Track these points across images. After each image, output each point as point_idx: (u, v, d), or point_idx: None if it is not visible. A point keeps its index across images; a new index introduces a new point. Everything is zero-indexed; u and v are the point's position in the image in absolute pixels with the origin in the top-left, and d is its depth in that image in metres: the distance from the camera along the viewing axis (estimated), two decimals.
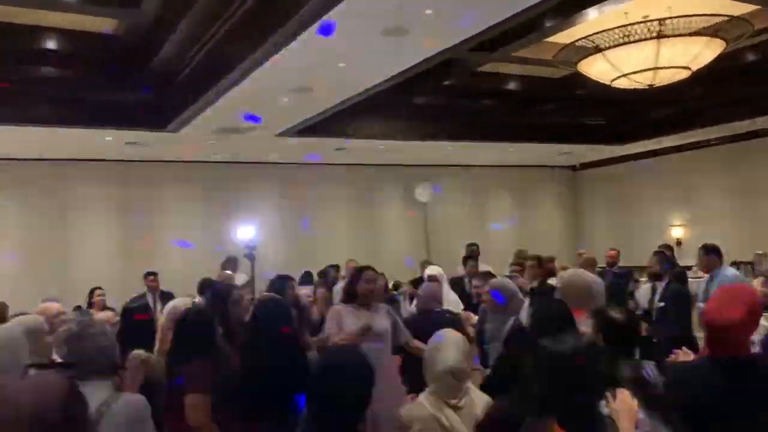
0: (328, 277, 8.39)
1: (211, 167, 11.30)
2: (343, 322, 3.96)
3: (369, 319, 3.99)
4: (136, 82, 7.89)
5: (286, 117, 8.28)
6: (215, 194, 11.30)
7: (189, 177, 11.22)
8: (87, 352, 2.26)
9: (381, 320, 4.09)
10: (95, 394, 2.13)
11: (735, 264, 8.20)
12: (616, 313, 2.53)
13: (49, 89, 7.73)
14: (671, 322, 5.71)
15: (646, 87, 7.24)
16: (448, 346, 2.58)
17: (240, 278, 7.65)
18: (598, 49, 6.76)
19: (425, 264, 6.90)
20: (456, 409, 2.40)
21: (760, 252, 9.03)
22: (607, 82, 7.38)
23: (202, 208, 11.27)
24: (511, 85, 9.59)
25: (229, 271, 7.03)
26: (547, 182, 14.73)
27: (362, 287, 4.08)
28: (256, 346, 3.18)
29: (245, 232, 7.32)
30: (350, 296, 4.12)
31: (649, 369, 2.38)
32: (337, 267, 8.95)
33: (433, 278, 5.74)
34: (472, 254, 8.27)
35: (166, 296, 7.33)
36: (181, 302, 3.81)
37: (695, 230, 11.66)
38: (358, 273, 4.18)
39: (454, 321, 3.93)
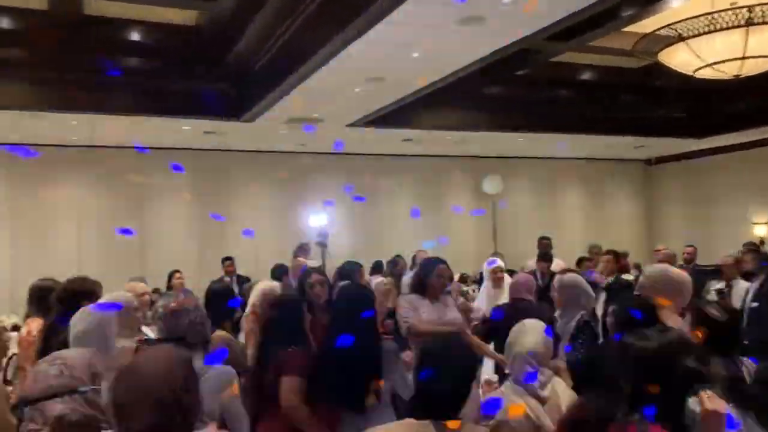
0: (396, 266, 8.43)
1: (283, 157, 11.53)
2: (419, 313, 3.99)
3: (442, 311, 4.02)
4: (214, 73, 8.13)
5: (357, 107, 8.35)
6: (285, 183, 11.53)
7: (261, 166, 11.48)
8: (182, 328, 2.36)
9: (454, 312, 4.12)
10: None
11: None
12: (715, 311, 2.46)
13: (133, 80, 8.05)
14: (766, 323, 5.37)
15: (732, 78, 6.93)
16: (528, 331, 2.60)
17: (311, 265, 7.78)
18: (681, 38, 6.52)
19: (495, 256, 6.81)
20: (538, 398, 2.38)
21: None
22: (690, 73, 7.11)
23: (273, 196, 11.54)
24: (587, 76, 9.37)
25: (301, 258, 7.17)
26: (620, 176, 14.31)
27: (434, 281, 4.10)
28: (339, 330, 3.24)
29: (317, 219, 7.43)
30: (420, 287, 4.14)
31: (745, 366, 2.30)
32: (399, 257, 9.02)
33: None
34: (545, 249, 8.13)
35: (242, 280, 7.59)
36: (269, 285, 3.93)
37: None
38: (431, 265, 4.18)
39: (541, 311, 3.88)
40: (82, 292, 3.15)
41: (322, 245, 7.16)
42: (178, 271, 7.77)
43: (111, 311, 2.52)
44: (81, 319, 2.50)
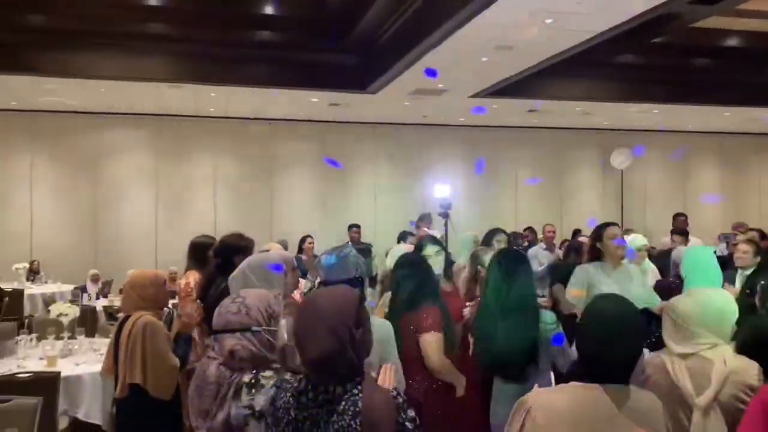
0: (517, 240, 8.35)
1: (404, 128, 11.65)
2: (594, 284, 3.73)
3: (625, 283, 3.72)
4: (342, 44, 8.32)
5: (482, 78, 8.24)
6: (406, 154, 11.68)
7: (383, 137, 11.67)
8: (342, 277, 2.50)
9: (639, 285, 3.87)
10: None
11: None
12: None
13: (264, 53, 8.41)
14: None
15: None
16: (687, 298, 2.49)
17: (434, 233, 7.86)
18: None
19: (627, 232, 6.53)
20: (685, 358, 2.31)
21: None
22: None
23: (396, 167, 11.73)
24: (733, 42, 8.69)
25: (425, 228, 7.26)
26: (764, 151, 13.22)
27: (609, 245, 3.82)
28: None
29: (441, 190, 7.48)
30: (595, 254, 3.89)
31: None
32: (530, 229, 8.95)
33: None
34: (681, 226, 7.73)
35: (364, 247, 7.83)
36: (403, 248, 4.07)
37: None
38: (601, 229, 3.90)
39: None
40: (237, 246, 3.39)
41: (445, 216, 7.20)
42: (309, 236, 8.13)
43: (281, 259, 2.72)
44: (247, 267, 2.69)
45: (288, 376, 1.83)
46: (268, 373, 1.94)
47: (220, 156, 11.20)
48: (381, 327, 2.53)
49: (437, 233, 7.89)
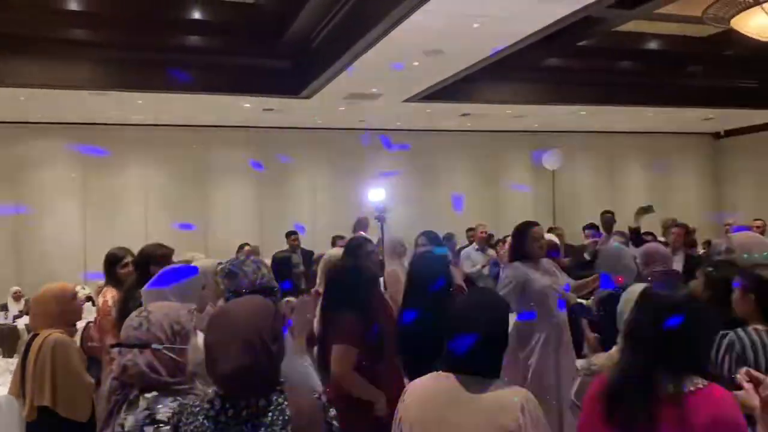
0: (451, 242, 8.44)
1: (339, 133, 11.61)
2: (530, 279, 3.97)
3: (552, 276, 4.03)
4: (274, 49, 8.22)
5: (415, 82, 8.30)
6: (342, 159, 11.64)
7: (319, 142, 11.59)
8: (244, 286, 2.42)
9: (560, 276, 4.12)
10: None
11: None
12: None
13: (194, 58, 8.21)
14: None
15: None
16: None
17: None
18: (757, 2, 6.19)
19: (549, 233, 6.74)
20: None
21: None
22: (765, 39, 6.76)
23: (332, 172, 11.68)
24: (653, 45, 9.03)
25: (362, 232, 7.23)
26: (687, 150, 13.83)
27: (531, 245, 4.05)
28: (415, 299, 3.30)
29: (376, 194, 7.45)
30: (521, 255, 4.09)
31: None
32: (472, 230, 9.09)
33: None
34: (608, 223, 7.99)
35: (307, 253, 7.76)
36: (335, 252, 4.02)
37: None
38: (525, 230, 4.11)
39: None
40: (155, 256, 3.26)
41: (381, 220, 7.18)
42: (247, 243, 7.99)
43: (194, 273, 2.61)
44: (175, 273, 2.57)
45: (191, 398, 1.73)
46: (149, 395, 1.81)
47: (151, 165, 10.88)
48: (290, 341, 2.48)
49: (374, 238, 7.90)
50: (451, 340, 1.94)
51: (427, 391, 1.99)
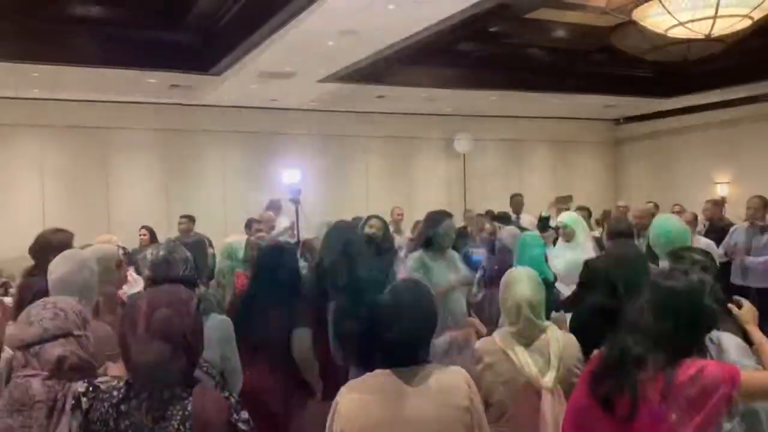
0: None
1: (252, 112, 11.34)
2: (429, 268, 4.02)
3: (453, 266, 4.08)
4: (181, 23, 7.88)
5: (330, 62, 8.20)
6: (255, 139, 11.38)
7: (231, 121, 11.28)
8: (171, 275, 2.33)
9: (463, 269, 4.17)
10: None
11: None
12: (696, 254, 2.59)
13: (96, 30, 7.76)
14: None
15: (703, 37, 6.98)
16: (520, 280, 2.60)
17: (283, 221, 7.75)
18: None
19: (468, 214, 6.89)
20: (528, 345, 2.42)
21: None
22: (662, 32, 7.13)
23: (243, 153, 11.39)
24: (560, 33, 9.31)
25: (271, 212, 7.12)
26: (588, 135, 14.48)
27: (441, 236, 4.12)
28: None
29: (290, 176, 7.34)
30: (427, 243, 4.16)
31: None
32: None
33: None
34: (517, 206, 8.25)
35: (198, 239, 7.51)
36: (236, 239, 3.90)
37: (741, 188, 11.40)
38: (437, 221, 4.16)
39: None
40: (51, 243, 3.03)
41: (295, 202, 7.10)
42: (144, 227, 7.62)
43: (92, 258, 2.46)
44: (61, 264, 2.43)
45: (108, 385, 1.66)
46: (102, 378, 1.75)
47: (48, 142, 10.22)
48: (221, 324, 2.40)
49: (288, 221, 7.81)
50: (386, 335, 1.90)
51: (367, 395, 1.88)
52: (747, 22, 6.75)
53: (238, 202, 10.41)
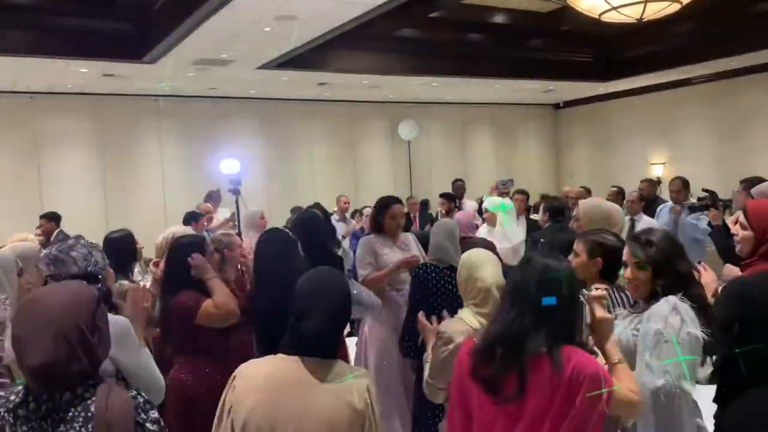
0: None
1: (190, 101, 11.06)
2: (379, 254, 4.07)
3: (404, 251, 4.12)
4: (113, 9, 7.60)
5: (268, 48, 8.05)
6: (195, 129, 11.11)
7: (167, 111, 10.97)
8: (72, 272, 2.21)
9: (415, 251, 4.17)
10: None
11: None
12: (611, 237, 2.62)
13: (23, 17, 7.40)
14: None
15: (635, 21, 7.15)
16: (486, 264, 2.63)
17: (223, 212, 7.60)
18: None
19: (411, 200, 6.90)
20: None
21: (737, 189, 9.12)
22: (596, 16, 7.26)
23: (181, 143, 11.10)
24: (499, 19, 9.40)
25: (208, 204, 6.97)
26: (530, 120, 14.70)
27: (390, 222, 4.14)
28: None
29: (229, 166, 7.19)
30: (379, 228, 4.19)
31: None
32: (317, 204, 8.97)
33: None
34: (459, 191, 8.31)
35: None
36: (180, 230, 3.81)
37: (675, 168, 11.78)
38: (385, 206, 4.18)
39: (488, 245, 4.02)
40: None
41: (235, 193, 6.95)
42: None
43: (3, 254, 2.33)
44: None
45: (6, 390, 1.57)
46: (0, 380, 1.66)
47: None
48: (118, 324, 2.25)
49: (227, 212, 7.66)
50: (297, 320, 1.87)
51: (266, 375, 1.86)
52: (676, 7, 6.94)
53: (178, 194, 10.16)
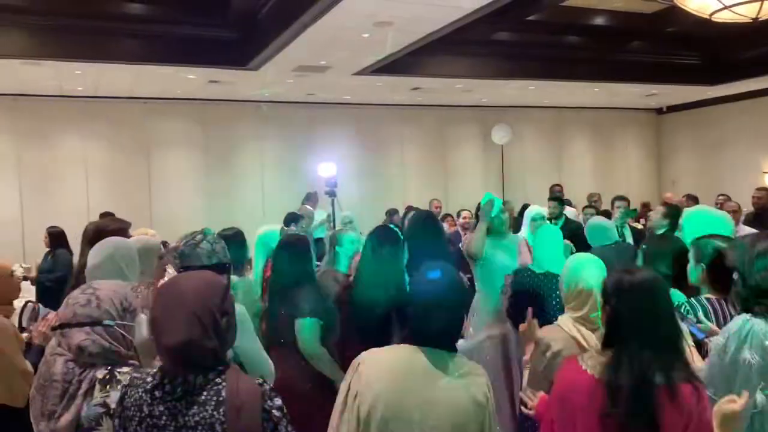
0: (393, 216, 8.47)
1: (289, 107, 11.42)
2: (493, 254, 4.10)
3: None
4: (219, 18, 7.97)
5: (365, 55, 8.18)
6: (293, 133, 11.47)
7: (268, 116, 11.37)
8: (200, 263, 2.35)
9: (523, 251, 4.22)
10: None
11: None
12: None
13: (136, 27, 7.89)
14: None
15: (750, 21, 6.74)
16: (589, 266, 2.57)
17: (320, 214, 7.79)
18: None
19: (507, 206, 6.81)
20: (594, 331, 2.40)
21: None
22: (706, 16, 6.91)
23: (281, 147, 11.48)
24: (599, 21, 9.12)
25: (309, 206, 7.16)
26: (630, 125, 14.16)
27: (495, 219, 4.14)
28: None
29: (326, 169, 7.36)
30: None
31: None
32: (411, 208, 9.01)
33: None
34: (555, 196, 8.13)
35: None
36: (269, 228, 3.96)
37: None
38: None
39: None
40: (110, 231, 3.01)
41: (332, 195, 7.12)
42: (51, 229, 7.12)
43: (126, 244, 2.50)
44: (93, 252, 2.48)
45: (142, 372, 1.68)
46: (124, 368, 1.79)
47: (91, 138, 10.47)
48: (237, 310, 2.39)
49: (324, 213, 7.85)
50: (421, 314, 1.90)
51: (391, 364, 1.89)
52: None
53: (276, 196, 10.53)
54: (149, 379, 1.60)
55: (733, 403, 1.77)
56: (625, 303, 1.85)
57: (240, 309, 2.38)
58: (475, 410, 1.84)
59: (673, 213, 4.64)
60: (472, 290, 4.02)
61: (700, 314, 2.51)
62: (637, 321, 1.81)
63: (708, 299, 2.60)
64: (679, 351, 1.83)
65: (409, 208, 7.62)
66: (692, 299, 2.62)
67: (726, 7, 6.53)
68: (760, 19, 6.67)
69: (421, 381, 1.84)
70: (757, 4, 6.44)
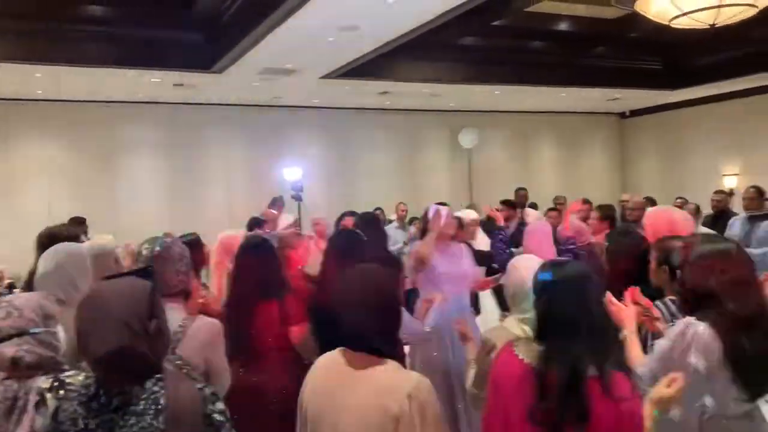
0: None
1: (255, 110, 11.34)
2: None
3: (456, 262, 4.06)
4: (182, 21, 7.87)
5: (331, 58, 8.17)
6: (259, 137, 11.37)
7: (233, 120, 11.27)
8: (167, 274, 2.30)
9: (468, 261, 4.13)
10: (173, 314, 2.15)
11: None
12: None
13: (98, 30, 7.76)
14: None
15: (707, 27, 6.90)
16: (531, 268, 2.57)
17: (286, 218, 7.73)
18: None
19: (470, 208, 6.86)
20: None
21: None
22: (666, 22, 7.05)
23: (246, 151, 11.38)
24: (563, 26, 9.25)
25: (274, 210, 7.10)
26: (594, 129, 14.39)
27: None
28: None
29: (292, 173, 7.32)
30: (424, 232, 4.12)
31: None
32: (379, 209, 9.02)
33: None
34: (521, 200, 8.20)
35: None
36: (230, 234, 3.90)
37: (749, 180, 11.28)
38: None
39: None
40: (63, 237, 2.89)
41: (298, 199, 7.08)
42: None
43: (78, 251, 2.43)
44: (43, 259, 2.40)
45: (76, 382, 1.61)
46: (70, 372, 1.72)
47: (53, 142, 10.24)
48: (207, 329, 2.34)
49: (291, 217, 7.79)
50: (343, 315, 1.90)
51: (321, 371, 1.94)
52: (752, 11, 6.66)
53: (242, 200, 10.42)
54: (83, 390, 1.55)
55: (667, 388, 1.83)
56: (554, 295, 1.86)
57: (214, 323, 2.37)
58: (383, 422, 1.74)
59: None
60: None
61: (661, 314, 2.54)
62: (568, 314, 1.82)
63: (672, 300, 2.62)
64: (611, 342, 1.85)
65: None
66: (657, 301, 2.63)
67: (684, 14, 6.67)
68: (717, 26, 6.85)
69: (337, 388, 1.85)
70: (715, 11, 6.61)
